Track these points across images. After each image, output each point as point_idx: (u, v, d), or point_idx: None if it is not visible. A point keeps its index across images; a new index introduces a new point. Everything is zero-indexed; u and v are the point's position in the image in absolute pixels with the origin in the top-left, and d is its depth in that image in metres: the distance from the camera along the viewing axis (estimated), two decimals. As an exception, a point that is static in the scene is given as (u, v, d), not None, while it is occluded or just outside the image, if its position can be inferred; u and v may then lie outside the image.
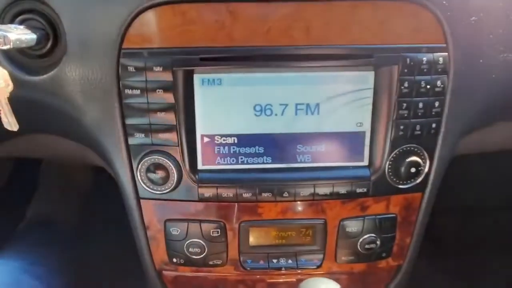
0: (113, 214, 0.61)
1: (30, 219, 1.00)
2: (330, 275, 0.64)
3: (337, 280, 0.54)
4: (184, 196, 0.57)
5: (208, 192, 0.56)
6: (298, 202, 0.58)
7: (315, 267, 0.62)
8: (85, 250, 0.91)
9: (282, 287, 0.66)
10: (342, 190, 0.56)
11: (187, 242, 0.59)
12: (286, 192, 0.56)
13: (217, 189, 0.56)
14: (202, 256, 0.60)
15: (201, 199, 0.57)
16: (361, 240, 0.60)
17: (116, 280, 0.73)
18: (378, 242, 0.60)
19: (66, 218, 1.04)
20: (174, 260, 0.61)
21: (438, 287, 1.03)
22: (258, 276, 0.64)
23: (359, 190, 0.57)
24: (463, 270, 1.06)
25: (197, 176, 0.56)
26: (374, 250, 0.61)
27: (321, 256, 0.62)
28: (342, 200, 0.58)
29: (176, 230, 0.59)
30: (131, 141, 0.55)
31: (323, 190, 0.56)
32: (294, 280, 0.65)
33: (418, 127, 0.54)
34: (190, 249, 0.59)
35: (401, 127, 0.54)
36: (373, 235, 0.60)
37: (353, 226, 0.59)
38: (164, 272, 0.65)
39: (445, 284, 1.04)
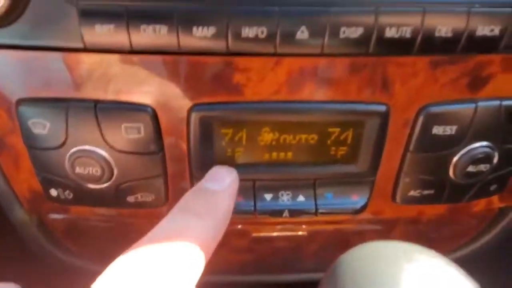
0: None
1: None
2: (375, 225, 0.33)
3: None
4: (46, 38, 0.23)
5: (104, 27, 0.22)
6: (328, 59, 0.24)
7: (350, 211, 0.30)
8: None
9: (280, 246, 0.35)
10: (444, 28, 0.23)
11: (70, 153, 0.26)
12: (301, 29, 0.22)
13: (127, 22, 0.22)
14: (108, 183, 0.27)
15: (89, 49, 0.23)
16: (460, 155, 0.27)
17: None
18: (495, 160, 0.28)
19: None
20: (54, 193, 0.29)
21: None
22: (234, 227, 0.33)
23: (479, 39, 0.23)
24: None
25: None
26: (480, 178, 0.29)
27: (367, 188, 0.29)
28: (432, 56, 0.24)
29: (41, 125, 0.26)
30: None
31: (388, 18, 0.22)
32: (305, 233, 0.34)
33: None
34: (79, 169, 0.26)
35: None
36: (487, 144, 0.27)
37: (447, 124, 0.26)
38: (51, 216, 0.33)
39: None
